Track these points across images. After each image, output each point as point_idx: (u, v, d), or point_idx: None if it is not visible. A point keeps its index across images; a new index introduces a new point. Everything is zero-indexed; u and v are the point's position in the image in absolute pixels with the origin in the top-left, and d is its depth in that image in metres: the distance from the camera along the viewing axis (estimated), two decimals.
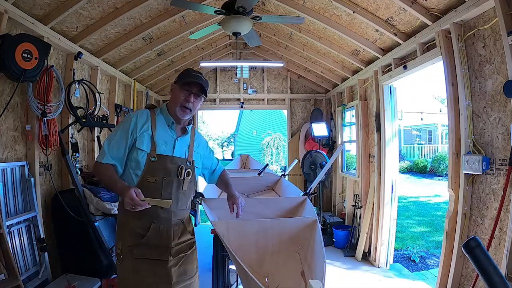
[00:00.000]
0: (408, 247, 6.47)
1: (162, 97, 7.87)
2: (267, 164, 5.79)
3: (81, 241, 3.73)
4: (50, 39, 3.66)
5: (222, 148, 33.16)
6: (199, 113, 8.01)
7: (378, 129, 5.16)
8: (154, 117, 2.20)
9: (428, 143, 24.42)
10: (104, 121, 4.83)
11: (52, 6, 3.50)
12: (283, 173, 5.69)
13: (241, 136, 29.53)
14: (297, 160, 6.20)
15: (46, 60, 3.41)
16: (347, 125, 7.04)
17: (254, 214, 3.46)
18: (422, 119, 24.29)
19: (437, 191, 13.32)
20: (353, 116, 6.68)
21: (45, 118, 3.44)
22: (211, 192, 4.44)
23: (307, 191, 3.63)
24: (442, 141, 22.48)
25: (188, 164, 2.23)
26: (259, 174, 5.50)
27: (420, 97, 24.96)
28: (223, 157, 32.06)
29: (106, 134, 5.21)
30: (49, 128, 3.55)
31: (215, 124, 35.05)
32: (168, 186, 2.11)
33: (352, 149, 8.02)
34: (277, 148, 20.62)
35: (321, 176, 3.88)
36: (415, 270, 5.30)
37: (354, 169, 7.00)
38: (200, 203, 3.43)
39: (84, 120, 4.22)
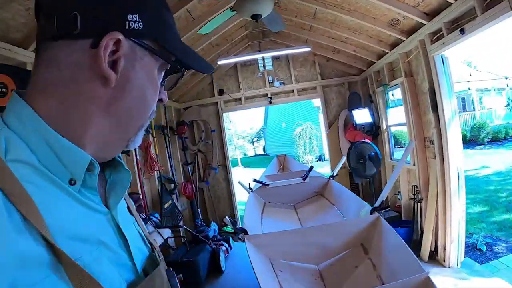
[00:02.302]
0: (471, 234, 5.79)
1: (182, 105, 7.32)
2: (312, 167, 5.17)
3: None
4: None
5: (252, 144, 32.71)
6: (224, 113, 7.41)
7: (435, 108, 4.42)
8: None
9: (463, 111, 23.04)
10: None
11: (30, 26, 2.92)
12: (331, 174, 5.01)
13: (270, 130, 29.14)
14: (345, 157, 5.49)
15: None
16: (392, 107, 6.25)
17: (315, 246, 2.97)
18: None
19: (483, 162, 12.12)
20: (393, 95, 6.00)
21: None
22: (253, 220, 3.87)
23: (376, 205, 2.99)
24: (477, 108, 21.02)
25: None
26: (304, 179, 4.89)
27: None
28: (255, 153, 31.64)
29: (124, 159, 4.67)
30: None
31: (242, 121, 34.65)
32: None
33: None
34: (310, 138, 20.22)
35: (389, 187, 3.21)
36: (484, 262, 4.73)
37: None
38: (243, 241, 2.83)
39: None
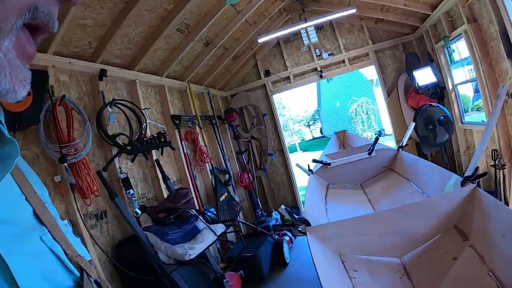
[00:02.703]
0: None
1: (228, 92, 7.00)
2: (378, 138, 4.58)
3: None
4: (58, 66, 2.95)
5: (309, 127, 32.13)
6: (277, 98, 7.01)
7: (510, 53, 3.76)
8: None
9: None
10: (162, 139, 4.00)
11: None
12: (400, 145, 4.42)
13: (325, 111, 28.52)
14: (414, 124, 4.84)
15: (49, 93, 2.72)
16: (457, 62, 5.52)
17: (395, 233, 2.43)
18: None
19: None
20: (453, 51, 5.29)
21: (65, 164, 2.63)
22: (316, 206, 3.43)
23: (469, 174, 2.39)
24: None
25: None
26: (369, 153, 4.37)
27: None
28: (313, 136, 31.08)
29: (170, 153, 4.46)
30: (79, 172, 2.75)
31: (295, 105, 34.08)
32: None
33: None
34: (367, 113, 19.48)
35: (483, 146, 2.64)
36: None
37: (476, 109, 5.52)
38: (304, 234, 2.39)
39: (129, 148, 3.41)
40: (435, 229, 2.41)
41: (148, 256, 2.83)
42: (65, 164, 2.68)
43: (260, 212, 6.35)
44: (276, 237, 5.27)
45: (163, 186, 3.88)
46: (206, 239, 2.99)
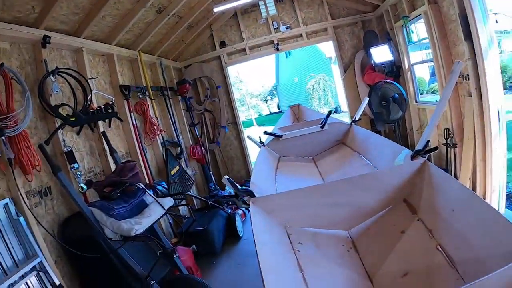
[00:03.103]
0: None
1: (182, 63, 6.82)
2: (331, 112, 4.62)
3: (108, 276, 2.91)
4: None
5: (266, 102, 32.12)
6: (234, 71, 6.89)
7: (468, 36, 3.83)
8: None
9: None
10: (109, 111, 3.84)
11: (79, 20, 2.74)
12: (353, 119, 4.47)
13: (282, 86, 28.45)
14: (368, 99, 4.90)
15: None
16: (414, 42, 5.63)
17: (343, 205, 2.42)
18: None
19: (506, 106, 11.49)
20: (412, 32, 5.38)
21: (3, 137, 2.48)
22: (265, 178, 3.43)
23: (419, 148, 2.41)
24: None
25: None
26: (322, 126, 4.41)
27: None
28: (270, 111, 31.14)
29: (119, 125, 4.30)
30: (18, 146, 2.60)
31: (253, 80, 33.89)
32: None
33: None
34: (324, 90, 19.70)
35: (435, 121, 2.68)
36: None
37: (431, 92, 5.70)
38: (248, 206, 2.35)
39: (73, 119, 3.24)
40: (384, 202, 2.42)
41: (94, 233, 2.74)
42: (3, 137, 2.52)
43: (213, 186, 6.32)
44: (229, 210, 5.27)
45: (110, 159, 3.75)
46: (153, 213, 2.91)
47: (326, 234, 2.44)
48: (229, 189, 6.34)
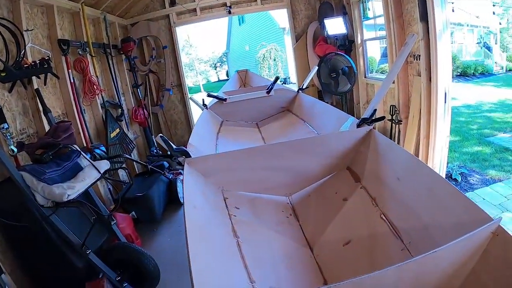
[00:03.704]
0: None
1: (128, 20, 6.44)
2: (278, 77, 4.58)
3: (42, 247, 2.76)
4: None
5: (215, 69, 31.70)
6: (184, 35, 6.59)
7: (424, 18, 3.87)
8: None
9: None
10: (45, 66, 3.54)
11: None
12: (301, 87, 4.45)
13: (233, 54, 28.26)
14: (317, 67, 4.87)
15: None
16: (370, 18, 5.68)
17: (284, 170, 2.36)
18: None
19: (452, 93, 12.56)
20: (369, 9, 5.40)
21: None
22: (205, 139, 3.32)
23: (366, 116, 2.38)
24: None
25: None
26: (268, 92, 4.37)
27: None
28: (218, 78, 30.81)
29: (55, 83, 4.01)
30: None
31: (204, 45, 33.19)
32: None
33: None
34: (274, 60, 19.76)
35: (384, 91, 2.68)
36: None
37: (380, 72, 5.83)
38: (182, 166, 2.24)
39: (4, 74, 2.95)
40: (327, 169, 2.39)
41: (26, 199, 2.55)
42: None
43: (155, 151, 6.14)
44: (171, 176, 5.15)
45: (45, 120, 3.48)
46: (88, 177, 2.74)
47: (265, 199, 2.39)
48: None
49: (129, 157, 4.08)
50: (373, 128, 2.36)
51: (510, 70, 16.47)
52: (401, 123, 4.71)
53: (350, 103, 6.41)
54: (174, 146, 2.28)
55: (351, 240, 1.92)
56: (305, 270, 1.87)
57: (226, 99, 4.34)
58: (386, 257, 1.72)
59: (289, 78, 18.87)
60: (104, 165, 2.97)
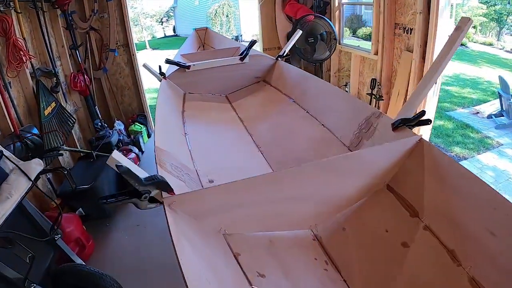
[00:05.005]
0: None
1: None
2: (255, 41, 4.01)
3: None
4: None
5: (161, 24, 30.30)
6: None
7: None
8: None
9: None
10: None
11: None
12: (281, 54, 3.85)
13: (181, 8, 27.14)
14: (300, 32, 4.23)
15: None
16: None
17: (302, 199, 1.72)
18: None
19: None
20: None
21: None
22: (173, 133, 2.71)
23: (411, 118, 1.81)
24: None
25: None
26: (242, 58, 3.77)
27: None
28: (165, 34, 29.52)
29: None
30: None
31: None
32: None
33: None
34: (227, 16, 19.11)
35: None
36: None
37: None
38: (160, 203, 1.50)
39: None
40: (360, 190, 1.82)
41: None
42: None
43: (100, 124, 5.39)
44: None
45: None
46: (15, 189, 2.01)
47: (280, 236, 1.78)
48: (119, 126, 5.52)
49: (68, 148, 3.33)
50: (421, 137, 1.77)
51: (463, 45, 16.89)
52: (382, 99, 4.39)
53: (326, 75, 5.96)
54: (142, 176, 1.50)
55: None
56: None
57: (189, 66, 3.64)
58: None
59: (241, 35, 18.23)
60: (36, 165, 2.25)
